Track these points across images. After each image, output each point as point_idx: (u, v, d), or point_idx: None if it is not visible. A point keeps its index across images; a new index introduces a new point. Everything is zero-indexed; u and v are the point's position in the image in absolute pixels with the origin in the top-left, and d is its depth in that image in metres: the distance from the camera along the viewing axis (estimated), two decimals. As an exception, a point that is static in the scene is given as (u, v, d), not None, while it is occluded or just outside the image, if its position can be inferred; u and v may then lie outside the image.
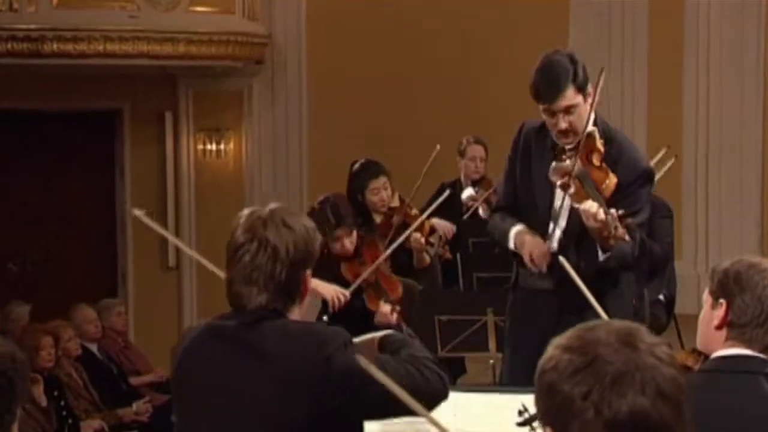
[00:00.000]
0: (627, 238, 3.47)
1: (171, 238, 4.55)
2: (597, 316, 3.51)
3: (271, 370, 2.15)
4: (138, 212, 3.90)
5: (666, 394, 1.38)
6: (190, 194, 8.18)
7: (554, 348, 1.45)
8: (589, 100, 3.63)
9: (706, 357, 2.37)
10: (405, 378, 2.13)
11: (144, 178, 8.19)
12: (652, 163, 5.01)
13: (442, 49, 7.76)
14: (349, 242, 4.62)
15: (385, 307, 4.62)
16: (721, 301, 2.32)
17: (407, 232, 4.75)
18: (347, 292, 4.48)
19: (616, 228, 3.38)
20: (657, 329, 5.17)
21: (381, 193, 5.16)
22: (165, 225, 8.11)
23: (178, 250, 7.97)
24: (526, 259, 3.70)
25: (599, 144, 3.58)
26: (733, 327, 2.31)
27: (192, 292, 8.15)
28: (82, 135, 8.17)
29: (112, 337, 6.85)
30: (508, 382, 3.80)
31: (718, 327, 2.32)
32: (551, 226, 3.70)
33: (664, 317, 5.22)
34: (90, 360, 6.39)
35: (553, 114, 3.63)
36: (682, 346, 5.41)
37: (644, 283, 4.60)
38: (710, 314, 2.35)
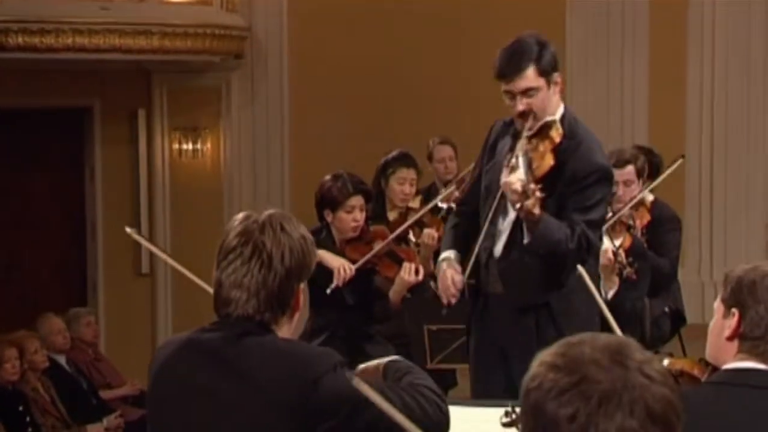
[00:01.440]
0: (568, 231, 3.56)
1: (166, 257, 4.55)
2: (550, 315, 3.60)
3: (255, 391, 2.13)
4: (130, 230, 3.93)
5: (656, 415, 1.37)
6: (164, 197, 8.17)
7: (539, 365, 1.44)
8: (555, 89, 3.67)
9: (714, 368, 2.37)
10: (401, 409, 2.10)
11: (115, 180, 8.17)
12: (666, 173, 5.07)
13: (432, 43, 7.77)
14: (361, 217, 4.65)
15: (407, 265, 4.63)
16: (734, 311, 2.32)
17: (422, 212, 4.79)
18: (353, 266, 4.53)
19: (527, 198, 3.45)
20: (660, 339, 5.20)
21: (405, 186, 5.22)
22: (138, 228, 8.10)
23: (152, 256, 7.96)
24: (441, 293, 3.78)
25: (554, 134, 3.63)
26: (745, 339, 2.30)
27: (167, 300, 8.14)
28: (49, 134, 8.15)
29: (82, 348, 6.82)
30: (476, 391, 3.85)
31: (730, 338, 2.32)
32: (500, 219, 3.77)
33: (668, 329, 5.25)
34: (58, 373, 6.37)
35: (512, 96, 3.68)
36: (685, 356, 5.43)
37: (640, 291, 4.63)
38: (721, 323, 2.34)
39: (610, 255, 4.40)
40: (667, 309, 5.20)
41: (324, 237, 4.70)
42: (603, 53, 7.68)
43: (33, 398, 5.94)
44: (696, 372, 2.52)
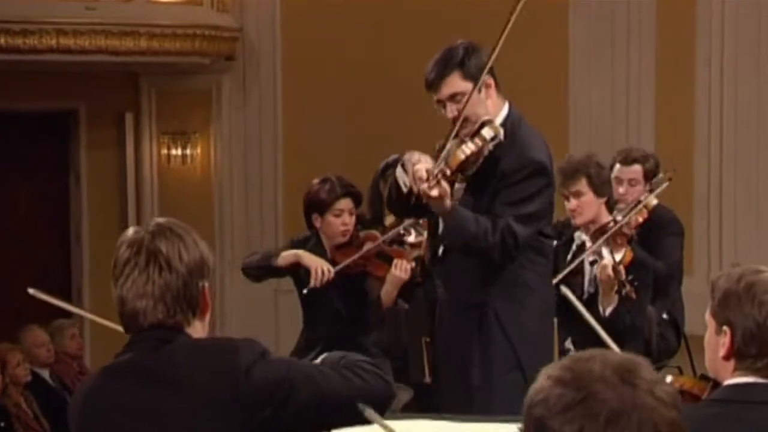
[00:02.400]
0: (488, 225, 3.60)
1: (71, 308, 4.61)
2: (496, 318, 3.62)
3: (186, 395, 2.14)
4: (33, 291, 3.99)
5: None
6: (152, 204, 8.16)
7: (545, 378, 1.44)
8: (487, 91, 3.74)
9: (716, 383, 2.37)
10: (340, 383, 2.17)
11: (101, 186, 8.17)
12: (654, 194, 5.05)
13: (429, 44, 7.76)
14: (350, 221, 4.65)
15: (397, 262, 4.64)
16: (725, 329, 2.31)
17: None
18: (333, 268, 4.53)
19: (430, 184, 3.50)
20: (667, 352, 5.18)
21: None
22: (125, 237, 8.10)
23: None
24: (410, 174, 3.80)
25: (487, 131, 3.67)
26: (741, 358, 2.30)
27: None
28: (33, 138, 8.14)
29: (66, 361, 6.81)
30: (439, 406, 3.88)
31: (726, 357, 2.31)
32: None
33: (674, 339, 5.23)
34: (41, 387, 6.35)
35: (442, 104, 3.77)
36: (695, 372, 5.42)
37: (641, 304, 4.62)
38: (715, 340, 2.34)
39: (610, 271, 4.39)
40: (665, 316, 5.17)
41: (313, 244, 4.70)
42: (607, 54, 7.68)
43: (15, 414, 5.93)
44: (696, 390, 2.52)
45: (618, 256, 4.52)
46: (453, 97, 3.74)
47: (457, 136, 3.72)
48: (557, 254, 4.84)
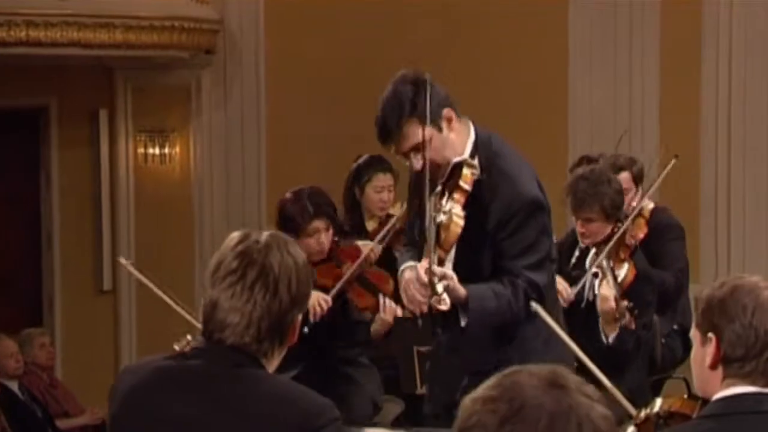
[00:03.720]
0: (508, 292, 3.50)
1: (162, 295, 4.58)
2: (488, 348, 3.59)
3: (243, 428, 2.12)
4: (125, 261, 3.93)
5: None
6: (128, 206, 8.15)
7: (472, 402, 1.45)
8: (450, 126, 3.57)
9: (705, 401, 2.39)
10: None
11: (74, 186, 8.16)
12: (662, 177, 5.06)
13: (422, 39, 7.79)
14: (326, 239, 4.64)
15: (384, 304, 4.62)
16: (710, 336, 2.34)
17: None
18: (329, 297, 4.51)
19: (434, 292, 3.37)
20: (672, 362, 5.20)
21: (383, 193, 5.23)
22: (99, 241, 8.09)
23: (114, 270, 7.94)
24: (405, 302, 3.71)
25: (465, 179, 3.55)
26: (728, 363, 2.32)
27: (131, 320, 8.11)
28: (1, 136, 8.12)
29: (36, 373, 6.80)
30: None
31: (712, 366, 2.34)
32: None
33: (680, 349, 5.25)
34: (9, 400, 6.34)
35: (404, 155, 3.63)
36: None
37: (650, 309, 4.64)
38: (702, 352, 2.37)
39: (612, 304, 4.41)
40: (676, 327, 5.19)
41: None
42: (609, 50, 7.69)
43: (-18, 428, 5.91)
44: (687, 410, 2.54)
45: (621, 274, 4.54)
46: (416, 148, 3.56)
47: (432, 191, 3.58)
48: (562, 256, 4.86)
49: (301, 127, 8.03)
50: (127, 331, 8.16)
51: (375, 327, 4.82)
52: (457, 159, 3.59)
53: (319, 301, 4.49)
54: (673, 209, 5.59)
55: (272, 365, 2.24)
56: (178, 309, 4.30)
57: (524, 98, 7.54)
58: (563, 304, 4.34)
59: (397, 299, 4.56)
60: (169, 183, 8.24)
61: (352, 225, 5.10)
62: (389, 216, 5.26)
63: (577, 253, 4.86)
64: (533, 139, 7.23)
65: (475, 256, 3.61)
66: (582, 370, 4.21)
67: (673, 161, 5.22)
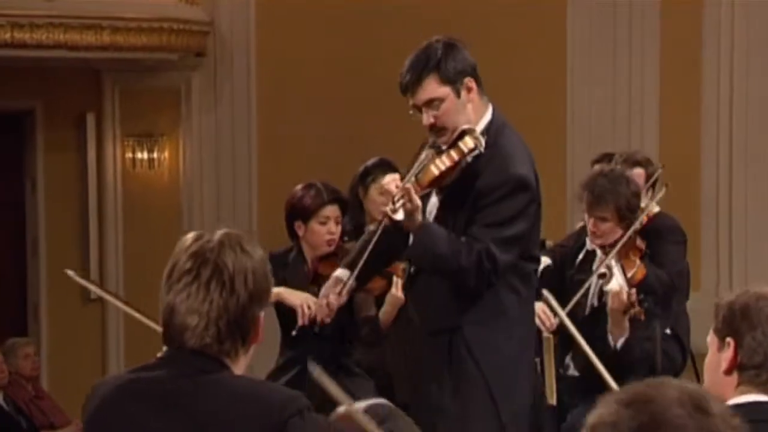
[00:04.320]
0: (462, 247, 3.59)
1: (109, 297, 4.58)
2: (465, 345, 3.63)
3: None
4: (72, 273, 3.97)
5: None
6: (116, 212, 8.14)
7: (614, 402, 1.46)
8: (468, 95, 3.70)
9: None
10: None
11: (61, 191, 8.15)
12: (653, 200, 5.08)
13: (417, 39, 7.78)
14: (336, 229, 4.64)
15: (396, 280, 4.64)
16: (728, 340, 2.36)
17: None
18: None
19: (401, 200, 3.53)
20: (671, 371, 5.20)
21: (387, 196, 5.22)
22: (87, 248, 8.07)
23: (102, 278, 7.93)
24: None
25: (465, 142, 3.65)
26: (744, 370, 2.34)
27: (118, 329, 8.10)
28: (-15, 140, 8.12)
29: (21, 383, 6.78)
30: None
31: (727, 371, 2.35)
32: None
33: (679, 356, 5.25)
34: (-6, 412, 6.32)
35: (418, 108, 3.73)
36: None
37: (652, 330, 4.64)
38: (717, 358, 2.38)
39: (624, 297, 4.40)
40: (668, 331, 5.19)
41: (295, 257, 4.70)
42: (609, 49, 7.70)
43: (-34, 441, 5.90)
44: None
45: (630, 273, 4.54)
46: (429, 103, 3.68)
47: (433, 145, 3.70)
48: (566, 259, 4.86)
49: (294, 131, 8.03)
50: (114, 340, 8.15)
51: (385, 308, 4.79)
52: (466, 126, 3.67)
53: (307, 302, 4.47)
54: (672, 214, 5.60)
55: (239, 365, 2.24)
56: (139, 316, 4.29)
57: (522, 99, 7.53)
58: (545, 332, 4.34)
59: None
60: (158, 188, 8.23)
61: (353, 225, 5.10)
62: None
63: (581, 256, 4.87)
64: (531, 141, 7.21)
65: (454, 226, 3.67)
66: (586, 375, 4.23)
67: (659, 171, 5.25)
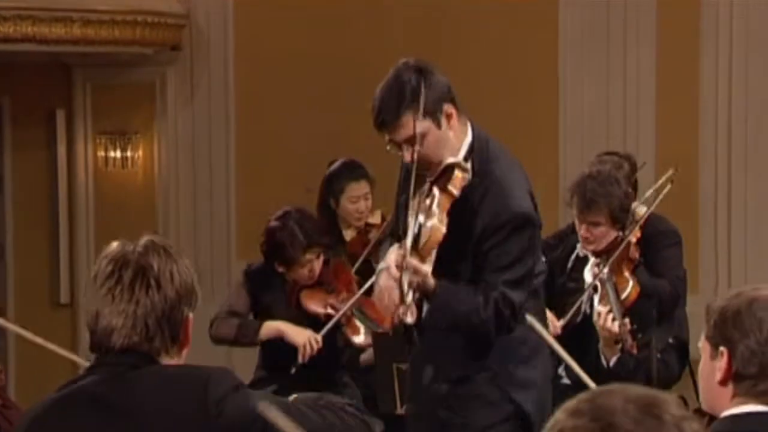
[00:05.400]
0: (479, 299, 3.54)
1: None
2: (465, 361, 3.63)
3: (147, 429, 2.16)
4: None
5: None
6: (87, 213, 8.12)
7: (561, 412, 1.48)
8: (449, 123, 3.60)
9: (712, 418, 2.38)
10: (320, 425, 2.19)
11: (29, 191, 8.12)
12: (652, 189, 5.07)
13: (404, 35, 7.79)
14: (317, 266, 4.73)
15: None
16: (722, 349, 2.34)
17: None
18: (319, 337, 4.56)
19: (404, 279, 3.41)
20: (669, 380, 5.21)
21: (360, 203, 5.27)
22: (56, 251, 8.04)
23: (72, 282, 7.90)
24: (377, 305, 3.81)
25: (454, 183, 3.58)
26: (740, 380, 2.33)
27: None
28: (-50, 138, 8.09)
29: (-13, 394, 6.75)
30: None
31: (722, 382, 2.34)
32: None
33: (677, 365, 5.26)
34: (-41, 423, 6.29)
35: (397, 145, 3.65)
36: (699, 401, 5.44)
37: (651, 327, 4.65)
38: (711, 366, 2.37)
39: (615, 330, 4.40)
40: (671, 340, 5.20)
41: (275, 278, 4.75)
42: (602, 47, 7.71)
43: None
44: None
45: (623, 294, 4.53)
46: (410, 141, 3.59)
47: (417, 190, 3.61)
48: (555, 265, 4.86)
49: (273, 128, 8.02)
50: (85, 347, 8.08)
51: (366, 357, 4.88)
52: (450, 160, 3.60)
53: (311, 340, 4.54)
54: (670, 216, 5.61)
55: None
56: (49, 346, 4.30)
57: (512, 98, 7.54)
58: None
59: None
60: (132, 188, 8.21)
61: (331, 240, 5.13)
62: (368, 225, 5.28)
63: (570, 264, 4.87)
64: (522, 142, 7.22)
65: (455, 262, 3.64)
66: (579, 385, 4.23)
67: (671, 171, 5.24)
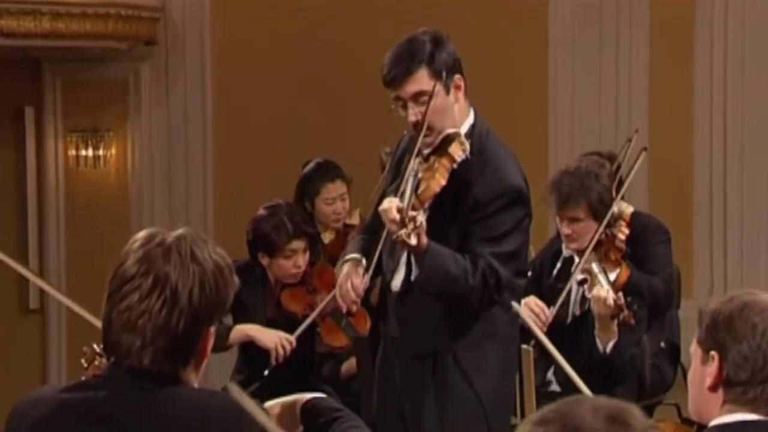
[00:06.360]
0: (468, 265, 3.62)
1: (33, 278, 4.61)
2: (457, 368, 3.66)
3: None
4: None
5: None
6: (58, 214, 8.11)
7: (526, 423, 1.50)
8: (457, 94, 3.73)
9: (701, 427, 2.40)
10: None
11: (-3, 192, 8.10)
12: (633, 172, 5.09)
13: (390, 31, 7.76)
14: (303, 261, 4.72)
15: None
16: (713, 354, 2.36)
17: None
18: (293, 339, 4.56)
19: (403, 226, 3.49)
20: (662, 386, 5.23)
21: (336, 204, 5.29)
22: (25, 254, 8.03)
23: (42, 288, 7.88)
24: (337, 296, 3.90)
25: (455, 148, 3.67)
26: (730, 386, 2.34)
27: (60, 341, 8.07)
28: None
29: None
30: None
31: (712, 388, 2.36)
32: (398, 249, 3.82)
33: (670, 371, 5.28)
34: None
35: (403, 103, 3.74)
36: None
37: (639, 333, 4.67)
38: (701, 372, 2.39)
39: (611, 302, 4.43)
40: (663, 345, 5.22)
41: (257, 276, 4.75)
42: (594, 44, 7.73)
43: None
44: None
45: (613, 275, 4.56)
46: (417, 97, 3.70)
47: (418, 153, 3.70)
48: (543, 266, 4.88)
49: (252, 126, 8.02)
50: (55, 353, 8.11)
51: (347, 366, 4.89)
52: (451, 130, 3.68)
53: (282, 342, 4.55)
54: (664, 216, 5.62)
55: (190, 384, 2.22)
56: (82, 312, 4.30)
57: (501, 98, 7.54)
58: (542, 327, 4.38)
59: (375, 340, 4.65)
60: (104, 189, 8.20)
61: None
62: (347, 226, 5.30)
63: (559, 264, 4.88)
64: (511, 143, 7.24)
65: (444, 234, 3.70)
66: (569, 391, 4.24)
67: (642, 155, 5.25)
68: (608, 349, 4.54)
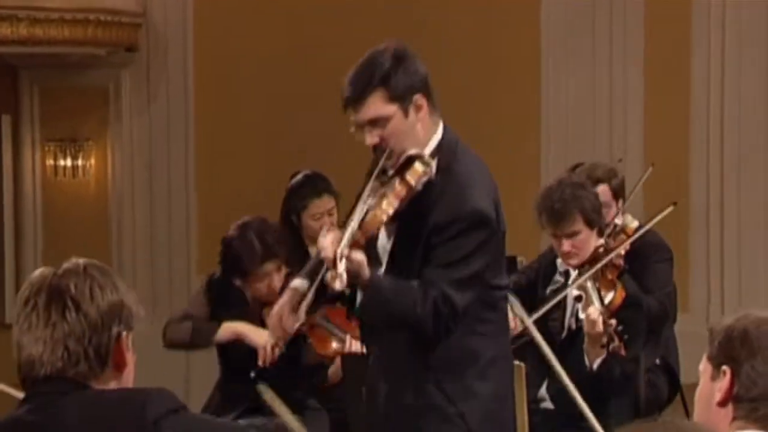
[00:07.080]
0: (417, 294, 3.57)
1: None
2: (421, 384, 3.66)
3: None
4: None
5: None
6: (35, 226, 8.09)
7: None
8: (418, 114, 3.66)
9: None
10: None
11: (-28, 203, 8.08)
12: (655, 220, 5.12)
13: (378, 33, 7.77)
14: (278, 281, 4.71)
15: (350, 341, 4.73)
16: (725, 368, 2.36)
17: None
18: (281, 343, 4.56)
19: (334, 266, 3.46)
20: (657, 402, 5.23)
21: (323, 219, 5.26)
22: (1, 267, 8.01)
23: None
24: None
25: (412, 173, 3.60)
26: (740, 402, 2.34)
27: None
28: None
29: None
30: None
31: (722, 403, 2.35)
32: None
33: (665, 388, 5.28)
34: None
35: (360, 127, 3.69)
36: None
37: (633, 351, 4.67)
38: (710, 387, 2.39)
39: (600, 327, 4.43)
40: (658, 361, 5.23)
41: (236, 296, 4.75)
42: (587, 47, 7.75)
43: None
44: None
45: (608, 298, 4.56)
46: (374, 122, 3.64)
47: (378, 175, 3.65)
48: (537, 283, 4.89)
49: (235, 135, 8.01)
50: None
51: (333, 369, 4.87)
52: (413, 151, 3.64)
53: (271, 343, 4.54)
54: (659, 228, 5.63)
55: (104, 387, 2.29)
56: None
57: (492, 100, 7.56)
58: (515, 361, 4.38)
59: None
60: (83, 200, 8.19)
61: (293, 250, 5.13)
62: None
63: (557, 277, 4.89)
64: (502, 147, 7.25)
65: (408, 260, 3.67)
66: (562, 407, 4.24)
67: (649, 170, 5.27)
68: (595, 366, 4.54)
